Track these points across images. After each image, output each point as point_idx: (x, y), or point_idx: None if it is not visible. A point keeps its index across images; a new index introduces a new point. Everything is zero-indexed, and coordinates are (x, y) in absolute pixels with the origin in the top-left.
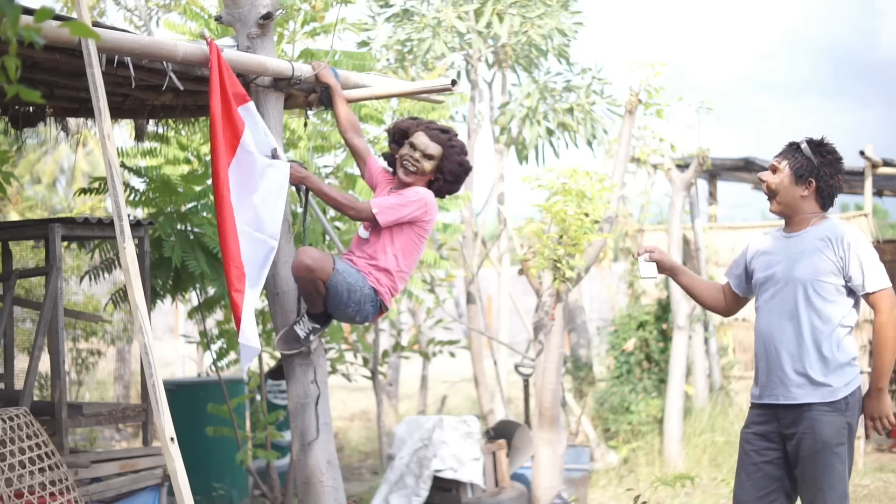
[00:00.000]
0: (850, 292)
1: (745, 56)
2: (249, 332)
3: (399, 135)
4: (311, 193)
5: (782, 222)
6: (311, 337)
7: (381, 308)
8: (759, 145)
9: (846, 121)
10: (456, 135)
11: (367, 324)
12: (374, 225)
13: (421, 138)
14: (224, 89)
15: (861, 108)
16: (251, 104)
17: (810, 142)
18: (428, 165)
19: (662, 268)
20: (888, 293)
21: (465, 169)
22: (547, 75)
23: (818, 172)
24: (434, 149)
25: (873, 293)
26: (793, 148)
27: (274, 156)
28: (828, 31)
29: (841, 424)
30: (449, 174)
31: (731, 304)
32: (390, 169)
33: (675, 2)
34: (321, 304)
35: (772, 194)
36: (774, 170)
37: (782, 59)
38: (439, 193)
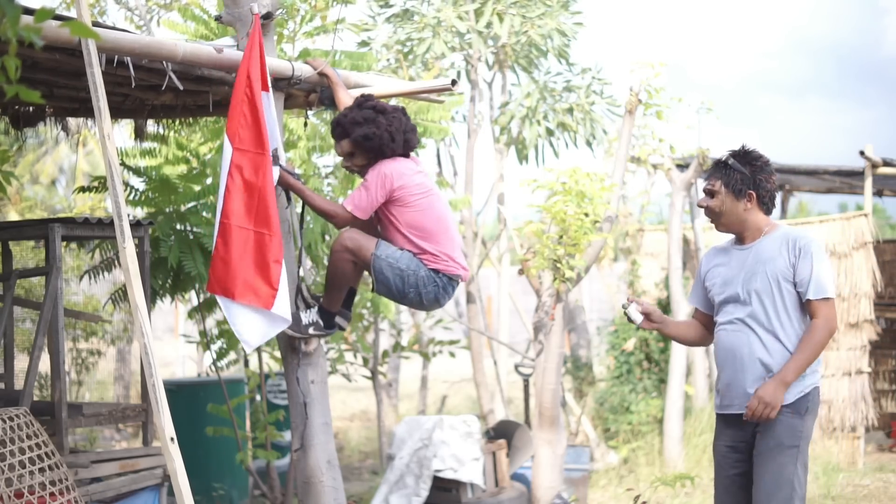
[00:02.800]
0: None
1: (748, 55)
2: (283, 303)
3: None
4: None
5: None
6: (311, 330)
7: (452, 280)
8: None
9: (847, 120)
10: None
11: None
12: (374, 219)
13: (337, 149)
14: (258, 68)
15: (862, 108)
16: (271, 94)
17: (735, 154)
18: (356, 161)
19: (652, 320)
20: (830, 304)
21: (352, 119)
22: (547, 75)
23: (754, 182)
24: (344, 146)
25: (815, 300)
26: (721, 166)
27: (275, 156)
28: (831, 31)
29: (798, 426)
30: (360, 137)
31: (708, 327)
32: None
33: (677, 1)
34: (343, 295)
35: (716, 217)
36: (711, 193)
37: (785, 58)
38: (397, 153)
